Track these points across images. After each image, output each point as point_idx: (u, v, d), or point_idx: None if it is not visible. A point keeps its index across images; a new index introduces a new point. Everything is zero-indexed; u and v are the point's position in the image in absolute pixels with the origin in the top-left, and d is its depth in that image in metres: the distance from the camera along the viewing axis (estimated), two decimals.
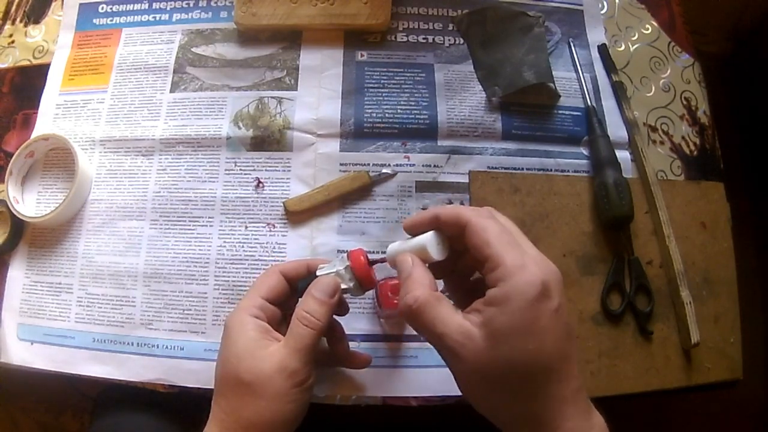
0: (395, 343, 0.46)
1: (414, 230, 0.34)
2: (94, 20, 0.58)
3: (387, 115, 0.52)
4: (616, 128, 0.53)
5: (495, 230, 0.30)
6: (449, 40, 0.56)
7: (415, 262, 0.33)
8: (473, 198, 0.50)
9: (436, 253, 0.33)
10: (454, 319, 0.29)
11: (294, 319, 0.37)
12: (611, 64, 0.55)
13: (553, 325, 0.28)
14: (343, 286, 0.38)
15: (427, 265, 0.33)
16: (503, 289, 0.28)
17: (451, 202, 0.50)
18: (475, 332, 0.28)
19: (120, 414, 0.51)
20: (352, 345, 0.46)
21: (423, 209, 0.49)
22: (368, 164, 0.51)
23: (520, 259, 0.29)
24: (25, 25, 0.60)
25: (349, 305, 0.44)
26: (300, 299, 0.38)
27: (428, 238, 0.33)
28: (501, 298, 0.28)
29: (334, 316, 0.41)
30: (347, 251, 0.38)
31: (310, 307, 0.37)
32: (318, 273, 0.39)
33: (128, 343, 0.47)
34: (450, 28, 0.57)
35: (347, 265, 0.38)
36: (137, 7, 0.58)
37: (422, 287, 0.31)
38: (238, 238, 0.49)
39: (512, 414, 0.30)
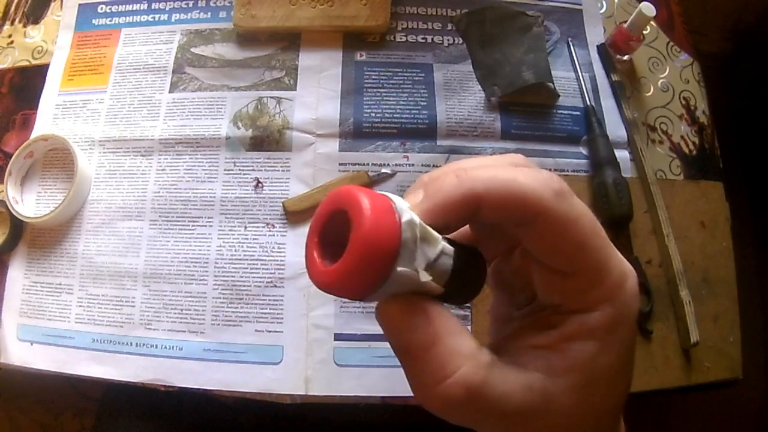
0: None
1: (442, 217, 0.18)
2: (93, 20, 0.58)
3: (386, 115, 0.52)
4: (615, 128, 0.53)
5: (589, 223, 0.19)
6: (448, 39, 0.56)
7: (432, 315, 0.18)
8: None
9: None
10: (517, 381, 0.18)
11: None
12: (610, 63, 0.55)
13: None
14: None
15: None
16: (609, 314, 0.19)
17: None
18: (553, 386, 0.19)
19: (122, 421, 0.51)
20: (354, 344, 0.46)
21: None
22: (367, 164, 0.51)
23: (621, 264, 0.19)
24: (24, 26, 0.60)
25: (349, 304, 0.43)
26: None
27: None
28: (606, 327, 0.19)
29: None
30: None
31: None
32: None
33: (127, 344, 0.47)
34: (449, 27, 0.57)
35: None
36: (136, 7, 0.58)
37: (462, 357, 0.18)
38: (238, 238, 0.49)
39: None
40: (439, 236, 0.18)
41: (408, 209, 0.17)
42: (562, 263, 0.19)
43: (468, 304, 0.47)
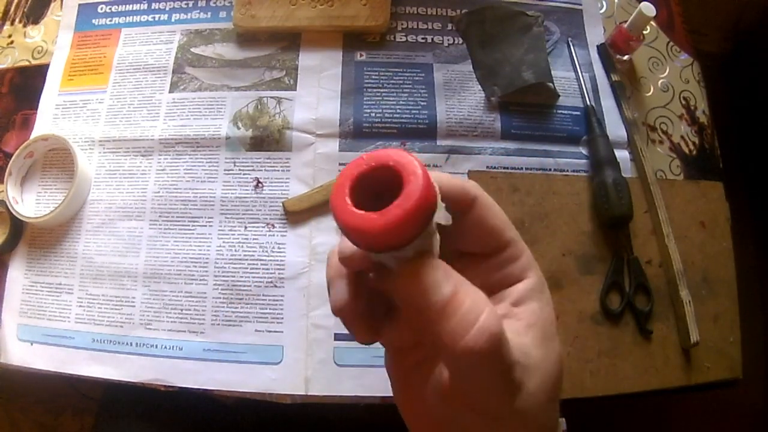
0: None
1: None
2: (93, 20, 0.58)
3: (386, 114, 0.52)
4: (615, 128, 0.53)
5: (503, 212, 0.24)
6: (448, 39, 0.56)
7: (448, 269, 0.20)
8: None
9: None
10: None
11: None
12: (610, 63, 0.55)
13: None
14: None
15: None
16: (535, 281, 0.24)
17: None
18: (524, 345, 0.22)
19: (122, 421, 0.51)
20: (354, 344, 0.46)
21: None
22: None
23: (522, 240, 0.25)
24: (24, 26, 0.60)
25: None
26: None
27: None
28: (538, 289, 0.24)
29: None
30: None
31: None
32: None
33: (127, 344, 0.47)
34: (449, 27, 0.57)
35: None
36: (136, 7, 0.58)
37: (483, 302, 0.19)
38: (238, 238, 0.49)
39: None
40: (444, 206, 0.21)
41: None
42: (491, 239, 0.24)
43: None
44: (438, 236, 0.21)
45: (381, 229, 0.18)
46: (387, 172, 0.19)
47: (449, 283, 0.19)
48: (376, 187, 0.19)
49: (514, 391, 0.21)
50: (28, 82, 0.57)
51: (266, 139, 0.52)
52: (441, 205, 0.21)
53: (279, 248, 0.49)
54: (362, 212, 0.19)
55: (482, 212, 0.23)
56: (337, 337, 0.47)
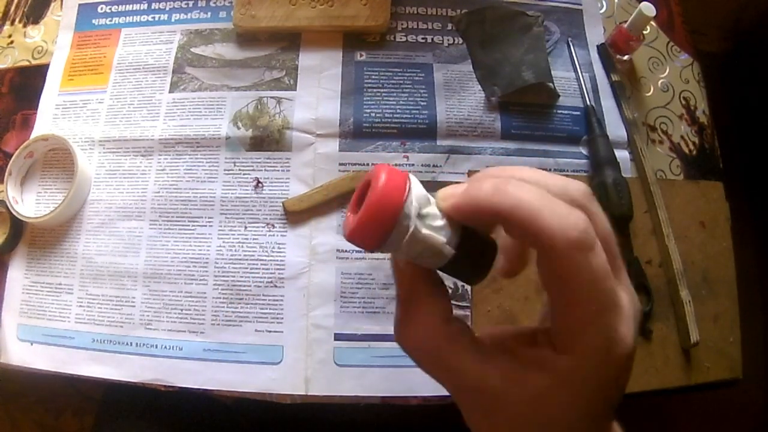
0: (395, 342, 0.46)
1: (460, 215, 0.21)
2: (93, 20, 0.58)
3: (386, 114, 0.52)
4: (615, 128, 0.53)
5: (584, 285, 0.19)
6: (448, 39, 0.56)
7: (417, 274, 0.23)
8: None
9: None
10: (472, 364, 0.22)
11: None
12: (610, 63, 0.55)
13: None
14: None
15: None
16: (570, 367, 0.20)
17: None
18: (503, 393, 0.21)
19: (122, 421, 0.51)
20: (354, 344, 0.46)
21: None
22: (367, 164, 0.51)
23: (600, 336, 0.20)
24: (24, 26, 0.60)
25: (348, 304, 0.44)
26: None
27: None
28: (565, 375, 0.21)
29: None
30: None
31: None
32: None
33: (127, 344, 0.47)
34: (449, 27, 0.57)
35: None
36: (136, 7, 0.58)
37: (430, 317, 0.23)
38: (238, 238, 0.49)
39: None
40: (443, 223, 0.21)
41: (424, 198, 0.21)
42: (549, 298, 0.20)
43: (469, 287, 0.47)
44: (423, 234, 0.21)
45: (351, 230, 0.21)
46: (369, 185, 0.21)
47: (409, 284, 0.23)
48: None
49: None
50: (28, 82, 0.57)
51: (266, 139, 0.52)
52: (441, 225, 0.21)
53: (279, 248, 0.49)
54: (349, 219, 0.22)
55: (548, 271, 0.19)
56: (337, 337, 0.47)
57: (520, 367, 0.21)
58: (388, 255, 0.23)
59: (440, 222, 0.21)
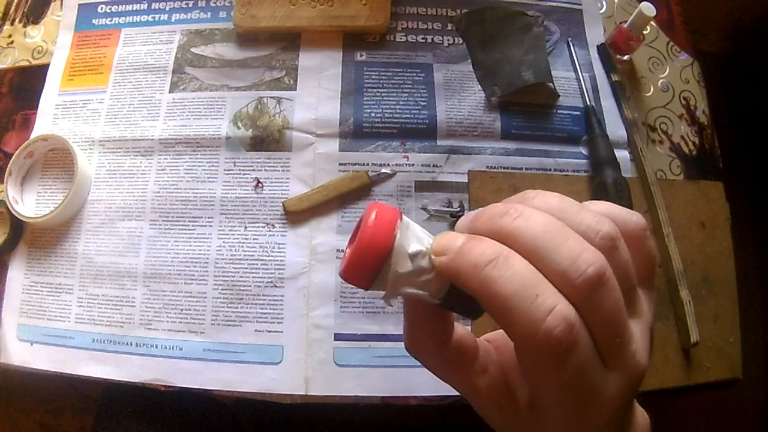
0: (395, 342, 0.46)
1: (445, 277, 0.21)
2: (94, 20, 0.58)
3: (386, 114, 0.52)
4: (615, 128, 0.53)
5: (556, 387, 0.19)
6: (448, 39, 0.56)
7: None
8: (472, 198, 0.50)
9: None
10: None
11: None
12: (610, 63, 0.55)
13: None
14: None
15: None
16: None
17: (450, 202, 0.50)
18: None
19: (122, 421, 0.51)
20: (354, 344, 0.46)
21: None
22: (367, 164, 0.51)
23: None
24: (24, 26, 0.60)
25: (348, 304, 0.44)
26: None
27: None
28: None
29: None
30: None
31: None
32: None
33: (127, 344, 0.47)
34: (449, 27, 0.57)
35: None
36: (136, 7, 0.58)
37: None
38: (238, 238, 0.49)
39: None
40: (431, 276, 0.21)
41: (418, 238, 0.21)
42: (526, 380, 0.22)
43: None
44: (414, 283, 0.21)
45: (342, 269, 0.21)
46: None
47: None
48: None
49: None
50: (28, 82, 0.57)
51: (266, 139, 0.52)
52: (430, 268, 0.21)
53: (279, 248, 0.49)
54: (345, 253, 0.22)
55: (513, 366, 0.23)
56: (337, 337, 0.47)
57: (509, 402, 0.23)
58: None
59: (428, 276, 0.21)
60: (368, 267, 0.20)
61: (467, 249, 0.19)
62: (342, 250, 0.49)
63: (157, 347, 0.47)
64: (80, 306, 0.49)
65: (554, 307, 0.18)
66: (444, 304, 0.22)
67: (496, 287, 0.18)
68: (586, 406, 0.19)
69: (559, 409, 0.20)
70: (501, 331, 0.25)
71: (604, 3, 0.59)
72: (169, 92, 0.54)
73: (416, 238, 0.21)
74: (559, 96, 0.54)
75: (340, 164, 0.51)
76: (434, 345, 0.23)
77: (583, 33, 0.57)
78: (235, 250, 0.49)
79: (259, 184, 0.51)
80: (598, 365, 0.19)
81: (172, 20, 0.57)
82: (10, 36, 0.59)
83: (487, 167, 0.51)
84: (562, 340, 0.17)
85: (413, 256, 0.21)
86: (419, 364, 0.24)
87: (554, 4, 0.58)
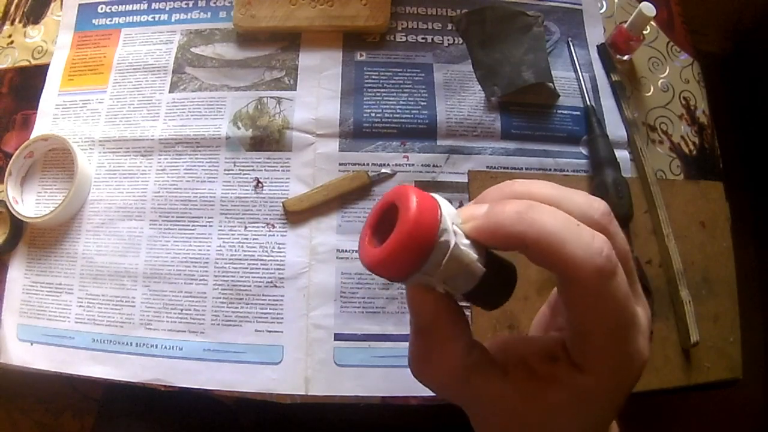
0: (395, 342, 0.46)
1: (482, 237, 0.20)
2: (94, 20, 0.58)
3: (386, 114, 0.52)
4: (615, 128, 0.53)
5: (609, 316, 0.19)
6: (448, 39, 0.56)
7: (439, 303, 0.21)
8: (472, 198, 0.50)
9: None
10: (494, 387, 0.22)
11: None
12: (610, 63, 0.55)
13: None
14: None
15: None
16: (595, 383, 0.21)
17: (450, 202, 0.50)
18: (521, 407, 0.22)
19: (122, 421, 0.51)
20: (354, 344, 0.46)
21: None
22: (367, 164, 0.51)
23: (620, 361, 0.21)
24: (24, 26, 0.60)
25: (348, 304, 0.44)
26: None
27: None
28: (587, 393, 0.21)
29: None
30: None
31: None
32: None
33: (127, 344, 0.47)
34: (449, 27, 0.57)
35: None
36: (136, 7, 0.58)
37: (454, 345, 0.21)
38: (238, 238, 0.49)
39: None
40: (470, 242, 0.20)
41: (453, 215, 0.20)
42: (571, 326, 0.21)
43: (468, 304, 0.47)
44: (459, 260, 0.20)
45: (379, 260, 0.19)
46: (395, 208, 0.19)
47: (431, 314, 0.21)
48: (393, 223, 0.20)
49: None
50: (28, 82, 0.57)
51: (266, 139, 0.52)
52: (469, 253, 0.20)
53: (279, 248, 0.49)
54: (369, 247, 0.20)
55: (571, 298, 0.19)
56: (337, 337, 0.47)
57: (539, 385, 0.21)
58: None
59: (467, 241, 0.20)
60: (420, 245, 0.18)
61: (500, 206, 0.19)
62: (342, 250, 0.49)
63: (157, 347, 0.47)
64: (80, 306, 0.49)
65: (594, 234, 0.19)
66: (486, 275, 0.20)
67: (545, 224, 0.18)
68: (632, 338, 0.20)
69: (605, 338, 0.20)
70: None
71: (604, 3, 0.59)
72: (169, 92, 0.54)
73: (451, 217, 0.20)
74: (559, 96, 0.54)
75: (340, 164, 0.51)
76: (462, 352, 0.21)
77: (583, 33, 0.57)
78: (235, 250, 0.49)
79: (259, 184, 0.51)
80: (631, 295, 0.20)
81: (172, 20, 0.57)
82: (10, 36, 0.59)
83: (487, 167, 0.51)
84: (611, 260, 0.18)
85: (455, 223, 0.20)
86: None
87: (554, 4, 0.58)
